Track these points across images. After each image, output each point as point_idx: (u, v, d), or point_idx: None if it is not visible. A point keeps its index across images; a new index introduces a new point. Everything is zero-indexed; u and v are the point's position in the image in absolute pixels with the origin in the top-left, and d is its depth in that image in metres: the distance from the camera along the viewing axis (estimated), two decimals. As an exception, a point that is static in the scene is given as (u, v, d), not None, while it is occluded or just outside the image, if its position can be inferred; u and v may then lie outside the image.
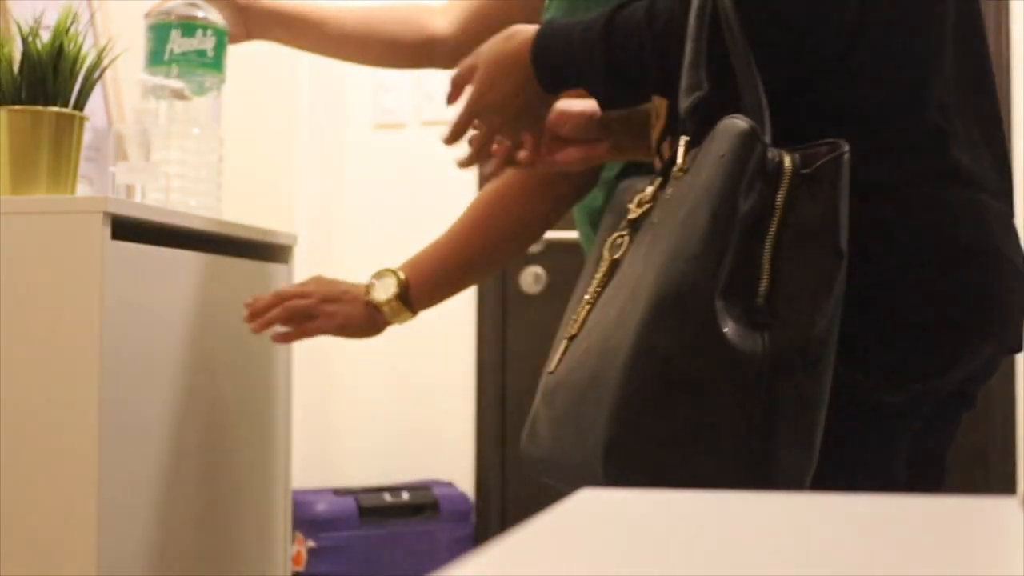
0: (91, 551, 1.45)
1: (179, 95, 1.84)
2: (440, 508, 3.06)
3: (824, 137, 1.00)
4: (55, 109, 1.58)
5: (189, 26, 1.87)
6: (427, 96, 3.38)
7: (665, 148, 1.20)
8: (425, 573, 2.78)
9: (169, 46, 1.86)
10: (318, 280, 1.66)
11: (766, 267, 0.96)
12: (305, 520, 2.88)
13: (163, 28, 1.87)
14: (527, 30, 1.21)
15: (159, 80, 1.84)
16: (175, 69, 1.87)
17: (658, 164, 1.23)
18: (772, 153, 0.98)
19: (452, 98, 1.29)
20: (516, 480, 3.31)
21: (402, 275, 1.63)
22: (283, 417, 1.94)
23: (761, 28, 1.04)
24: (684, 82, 1.05)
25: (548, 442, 1.12)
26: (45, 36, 1.60)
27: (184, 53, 1.86)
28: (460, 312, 3.31)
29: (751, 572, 0.49)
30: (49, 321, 1.47)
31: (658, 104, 1.24)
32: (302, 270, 2.20)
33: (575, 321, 1.13)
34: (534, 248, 3.23)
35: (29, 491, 1.46)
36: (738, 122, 0.98)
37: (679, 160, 1.04)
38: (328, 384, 3.36)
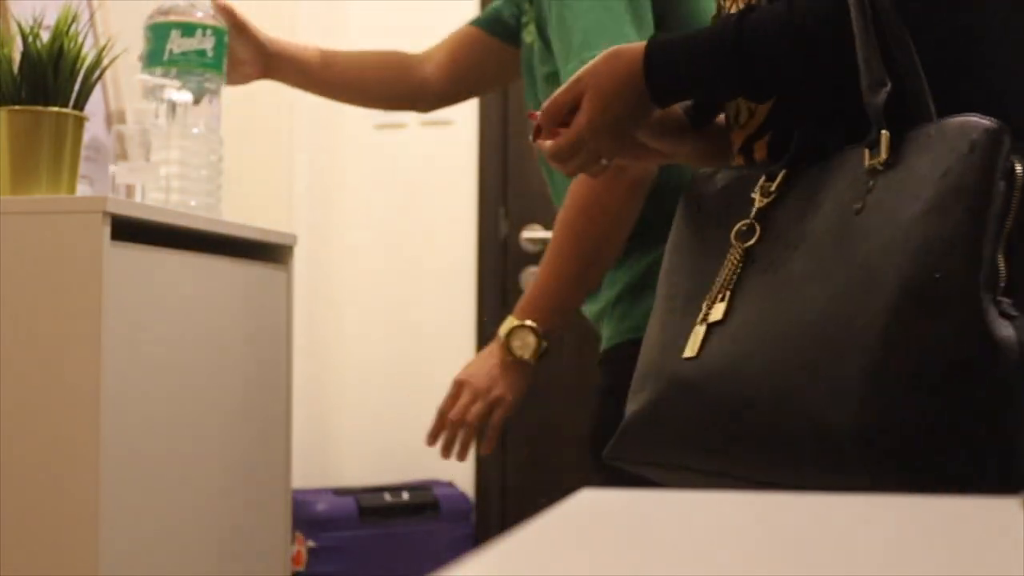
0: (91, 551, 1.45)
1: (179, 95, 1.84)
2: (440, 508, 3.06)
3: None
4: (55, 109, 1.58)
5: (188, 26, 1.87)
6: (427, 96, 3.38)
7: (759, 146, 1.21)
8: (425, 573, 2.78)
9: (168, 46, 1.86)
10: (463, 382, 1.75)
11: (1003, 263, 0.98)
12: (305, 520, 2.88)
13: (162, 28, 1.87)
14: (632, 48, 1.21)
15: (159, 80, 1.84)
16: (174, 69, 1.87)
17: (740, 160, 1.25)
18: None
19: (541, 133, 1.26)
20: (516, 480, 3.31)
21: (530, 322, 1.71)
22: (283, 417, 1.94)
23: (916, 14, 1.07)
24: (865, 79, 1.07)
25: (705, 431, 1.11)
26: (45, 36, 1.60)
27: (184, 53, 1.86)
28: (460, 312, 3.31)
29: (751, 572, 0.49)
30: (49, 321, 1.48)
31: (747, 103, 1.25)
32: (301, 271, 2.20)
33: (710, 308, 1.13)
34: (534, 248, 3.23)
35: (29, 491, 1.46)
36: (983, 120, 1.00)
37: (881, 154, 1.04)
38: (328, 384, 3.35)
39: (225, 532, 1.78)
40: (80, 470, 1.45)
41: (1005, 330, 0.96)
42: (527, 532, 0.55)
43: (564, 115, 1.24)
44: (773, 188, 1.14)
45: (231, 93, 2.03)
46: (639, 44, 1.21)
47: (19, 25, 1.60)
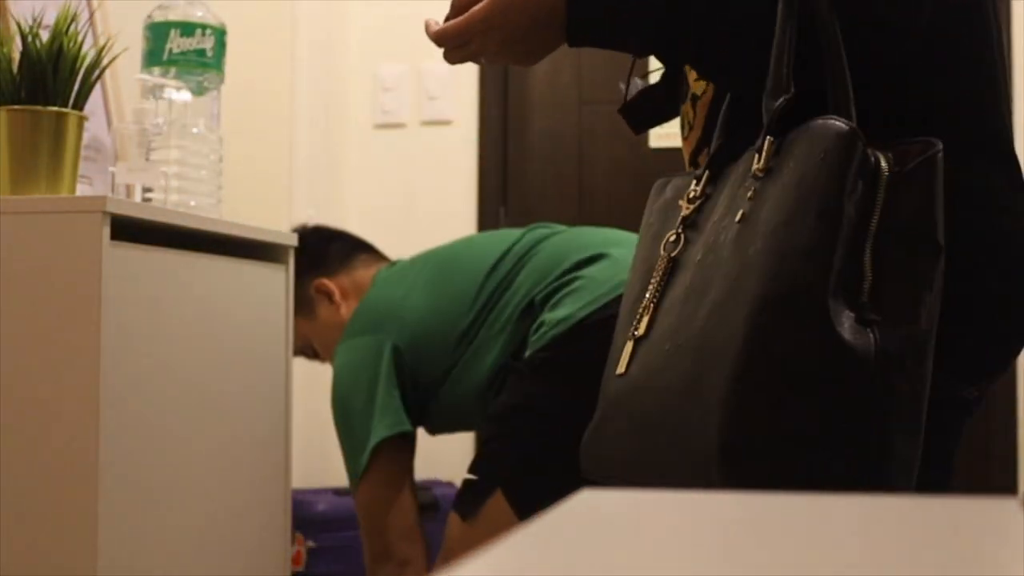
0: (90, 551, 1.44)
1: (178, 95, 1.84)
2: (440, 508, 3.06)
3: (900, 135, 1.01)
4: (54, 109, 1.57)
5: (188, 26, 1.87)
6: (427, 96, 3.38)
7: (702, 158, 1.20)
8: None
9: (168, 46, 1.86)
10: None
11: (868, 265, 0.97)
12: (305, 520, 2.88)
13: (162, 28, 1.87)
14: None
15: (158, 80, 1.84)
16: (174, 69, 1.87)
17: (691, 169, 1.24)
18: (869, 153, 0.99)
19: (448, 19, 1.19)
20: (516, 480, 3.31)
21: None
22: (283, 417, 1.94)
23: (855, 24, 1.04)
24: (770, 82, 1.04)
25: (626, 447, 1.11)
26: (45, 36, 1.60)
27: (183, 53, 1.86)
28: (460, 312, 3.30)
29: (751, 572, 0.49)
30: (49, 321, 1.47)
31: (688, 113, 1.24)
32: (302, 270, 2.21)
33: (638, 322, 1.12)
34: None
35: (29, 491, 1.46)
36: (838, 123, 0.98)
37: (761, 161, 1.03)
38: (328, 384, 3.35)
39: (225, 532, 1.77)
40: (79, 470, 1.45)
41: (859, 337, 0.95)
42: (527, 532, 0.55)
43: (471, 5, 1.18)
44: (697, 194, 1.12)
45: (231, 93, 2.03)
46: None
47: (18, 25, 1.60)
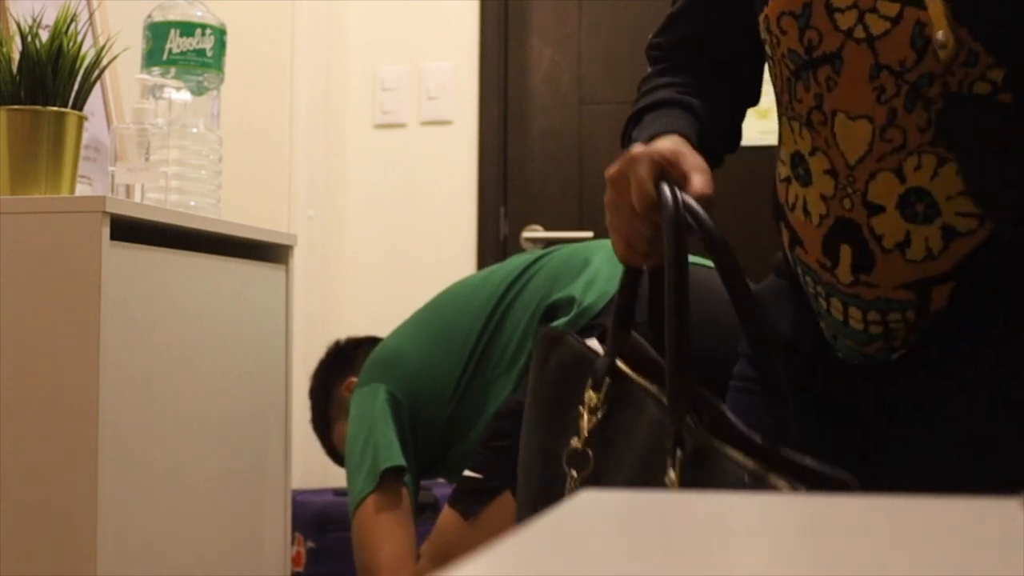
0: (90, 551, 1.44)
1: (178, 95, 1.84)
2: (440, 508, 3.06)
3: None
4: (54, 109, 1.57)
5: (188, 26, 1.87)
6: (427, 96, 3.38)
7: (939, 290, 1.08)
8: (425, 573, 2.78)
9: (168, 46, 1.86)
10: None
11: None
12: (305, 520, 2.88)
13: (162, 28, 1.87)
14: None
15: (158, 80, 1.84)
16: (173, 69, 1.87)
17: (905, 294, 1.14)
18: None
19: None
20: (516, 480, 3.30)
21: None
22: (283, 417, 1.94)
23: None
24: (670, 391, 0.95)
25: None
26: (44, 36, 1.60)
27: (183, 53, 1.86)
28: (460, 312, 3.30)
29: (751, 573, 0.49)
30: (48, 321, 1.47)
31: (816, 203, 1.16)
32: (301, 271, 2.20)
33: None
34: (534, 249, 3.23)
35: (29, 491, 1.46)
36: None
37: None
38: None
39: (225, 532, 1.77)
40: (79, 470, 1.45)
41: None
42: (527, 532, 0.55)
43: None
44: (599, 402, 1.02)
45: (231, 93, 2.03)
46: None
47: (18, 25, 1.60)
